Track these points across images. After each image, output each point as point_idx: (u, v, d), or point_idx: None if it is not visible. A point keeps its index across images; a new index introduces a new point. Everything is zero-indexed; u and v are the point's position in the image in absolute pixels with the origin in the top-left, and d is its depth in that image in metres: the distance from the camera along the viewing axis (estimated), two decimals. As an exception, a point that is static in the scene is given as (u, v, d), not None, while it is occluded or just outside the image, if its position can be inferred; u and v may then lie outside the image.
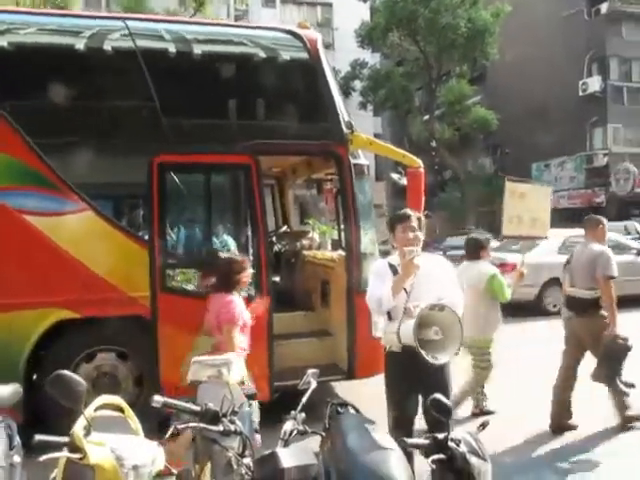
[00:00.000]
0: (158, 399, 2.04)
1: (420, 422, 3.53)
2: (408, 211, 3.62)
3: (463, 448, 2.19)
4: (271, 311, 5.04)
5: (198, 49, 5.20)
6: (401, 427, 3.40)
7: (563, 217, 27.97)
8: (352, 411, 3.14)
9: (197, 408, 2.07)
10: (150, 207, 4.79)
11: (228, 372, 2.33)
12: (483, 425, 2.38)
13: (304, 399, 2.49)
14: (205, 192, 5.06)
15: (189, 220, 5.27)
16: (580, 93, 28.64)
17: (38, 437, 2.04)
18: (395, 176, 7.39)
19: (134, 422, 3.14)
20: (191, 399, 3.35)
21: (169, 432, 2.60)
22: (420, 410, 3.56)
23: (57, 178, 4.65)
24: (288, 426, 2.19)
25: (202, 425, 2.03)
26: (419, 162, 5.56)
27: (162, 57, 5.13)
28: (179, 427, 1.98)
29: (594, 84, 28.22)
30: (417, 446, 2.23)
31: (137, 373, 4.98)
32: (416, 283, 3.38)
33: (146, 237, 4.83)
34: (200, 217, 5.17)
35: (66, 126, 4.77)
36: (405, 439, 2.34)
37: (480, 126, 26.15)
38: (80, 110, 4.89)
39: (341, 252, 5.86)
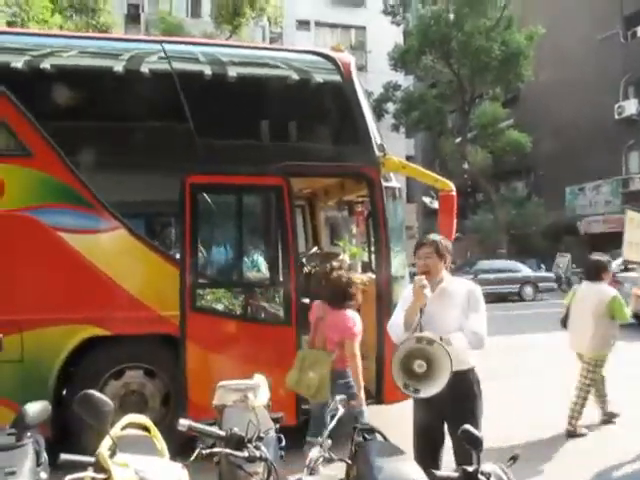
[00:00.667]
0: (184, 422, 2.01)
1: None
2: (426, 237, 3.56)
3: None
4: (300, 332, 5.01)
5: (233, 71, 5.26)
6: (426, 456, 3.34)
7: (599, 242, 27.52)
8: (379, 438, 3.07)
9: (222, 433, 2.03)
10: (182, 226, 4.83)
11: (254, 397, 2.29)
12: (514, 458, 2.30)
13: (331, 425, 2.43)
14: (237, 212, 5.07)
15: (220, 240, 5.29)
16: (616, 116, 28.13)
17: (63, 456, 2.04)
18: (427, 199, 7.30)
19: (160, 442, 3.13)
20: (217, 422, 3.35)
21: (194, 455, 2.57)
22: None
23: (91, 196, 4.73)
24: (314, 453, 2.13)
25: (227, 451, 1.99)
26: (451, 185, 5.49)
27: (197, 79, 5.21)
28: (204, 452, 1.95)
29: (630, 107, 27.67)
30: (446, 479, 2.15)
31: (164, 392, 4.99)
32: (433, 310, 3.29)
33: (177, 256, 4.87)
34: (231, 237, 5.18)
35: (101, 145, 4.85)
36: (434, 472, 2.27)
37: (513, 149, 25.86)
38: (115, 129, 5.00)
39: (371, 275, 5.81)
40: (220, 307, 5.02)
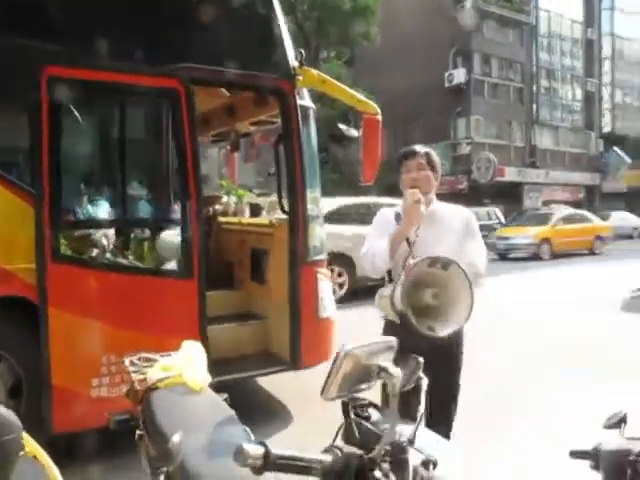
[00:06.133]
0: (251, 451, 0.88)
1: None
2: (416, 147, 2.77)
3: None
4: (203, 286, 3.86)
5: None
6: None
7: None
8: (376, 413, 2.18)
9: (325, 458, 0.95)
10: (37, 142, 3.30)
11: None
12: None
13: (420, 414, 1.38)
14: (118, 125, 3.65)
15: (94, 162, 3.84)
16: (446, 84, 29.86)
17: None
18: (343, 127, 6.52)
19: (48, 466, 1.87)
20: (129, 416, 2.19)
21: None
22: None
23: None
24: (416, 459, 1.16)
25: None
26: (376, 108, 4.66)
27: None
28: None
29: (459, 76, 29.58)
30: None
31: (13, 379, 3.51)
32: (424, 234, 2.59)
33: (30, 184, 3.38)
34: (110, 159, 3.76)
35: None
36: (575, 450, 1.49)
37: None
38: None
39: (281, 215, 4.80)
40: (96, 256, 3.64)
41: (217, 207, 5.97)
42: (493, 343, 6.14)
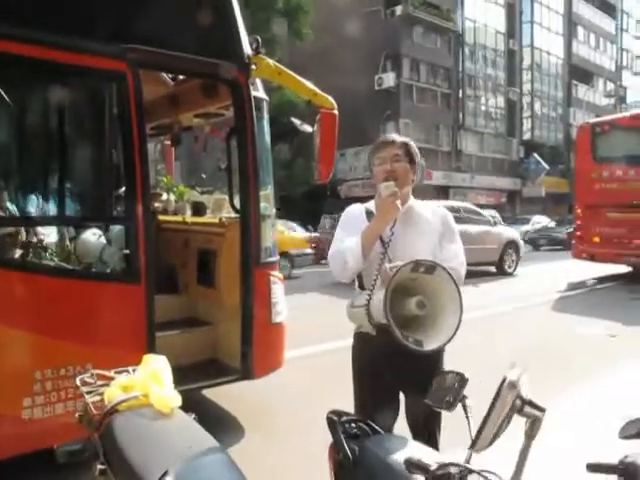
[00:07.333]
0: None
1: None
2: (391, 136, 2.52)
3: None
4: (151, 292, 3.50)
5: None
6: None
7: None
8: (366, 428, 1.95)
9: None
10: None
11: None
12: None
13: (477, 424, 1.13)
14: (55, 109, 3.22)
15: (27, 151, 3.38)
16: (376, 87, 30.24)
17: None
18: (296, 121, 6.20)
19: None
20: (89, 444, 1.88)
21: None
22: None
23: None
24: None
25: None
26: (332, 102, 4.46)
27: None
28: None
29: (389, 80, 30.04)
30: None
31: None
32: (399, 233, 2.34)
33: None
34: (45, 147, 3.32)
35: None
36: (593, 463, 1.32)
37: (289, 109, 25.79)
38: None
39: (230, 215, 4.50)
40: (27, 257, 3.20)
41: (157, 205, 5.58)
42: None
